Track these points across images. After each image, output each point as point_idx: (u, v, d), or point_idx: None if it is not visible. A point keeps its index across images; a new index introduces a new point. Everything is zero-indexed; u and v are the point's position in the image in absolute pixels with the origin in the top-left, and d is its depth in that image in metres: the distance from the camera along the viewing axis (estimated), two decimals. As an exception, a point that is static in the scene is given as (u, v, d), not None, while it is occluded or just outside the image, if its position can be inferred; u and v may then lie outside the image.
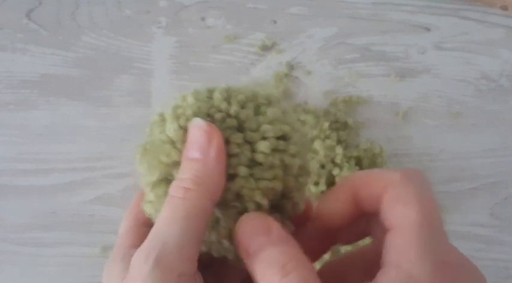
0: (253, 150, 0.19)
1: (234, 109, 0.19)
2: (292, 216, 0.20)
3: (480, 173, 0.39)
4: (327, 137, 0.36)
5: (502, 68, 0.42)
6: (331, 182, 0.35)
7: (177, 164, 0.19)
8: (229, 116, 0.19)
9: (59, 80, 0.41)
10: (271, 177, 0.19)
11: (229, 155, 0.18)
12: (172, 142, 0.19)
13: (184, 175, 0.18)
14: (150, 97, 0.41)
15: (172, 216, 0.17)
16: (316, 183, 0.34)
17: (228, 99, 0.20)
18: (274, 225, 0.18)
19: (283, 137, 0.20)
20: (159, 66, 0.41)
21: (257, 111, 0.20)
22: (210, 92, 0.20)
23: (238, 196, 0.19)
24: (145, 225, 0.21)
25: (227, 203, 0.19)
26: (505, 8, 0.43)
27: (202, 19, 0.43)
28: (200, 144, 0.18)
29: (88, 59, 0.41)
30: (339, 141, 0.37)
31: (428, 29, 0.43)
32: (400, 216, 0.17)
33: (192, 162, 0.18)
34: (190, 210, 0.17)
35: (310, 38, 0.42)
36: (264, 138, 0.19)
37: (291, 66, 0.42)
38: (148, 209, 0.20)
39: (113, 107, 0.40)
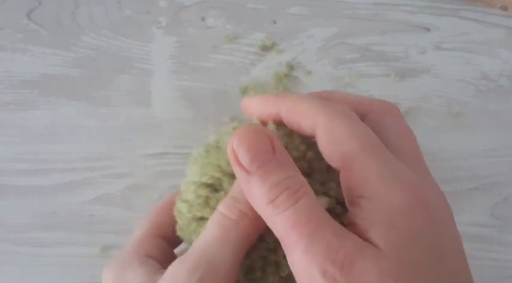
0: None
1: (310, 155, 0.18)
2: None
3: (480, 173, 0.39)
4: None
5: (502, 68, 0.42)
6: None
7: (232, 177, 0.18)
8: (303, 158, 0.18)
9: (59, 80, 0.41)
10: None
11: None
12: None
13: (241, 197, 0.17)
14: (150, 97, 0.41)
15: (224, 237, 0.16)
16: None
17: (301, 142, 0.19)
18: (277, 144, 0.16)
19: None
20: (159, 66, 0.41)
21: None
22: (288, 131, 0.19)
23: None
24: (163, 238, 0.20)
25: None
26: (504, 8, 0.43)
27: (202, 19, 0.43)
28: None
29: (88, 59, 0.41)
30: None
31: (428, 29, 0.43)
32: (342, 155, 0.16)
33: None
34: (243, 236, 0.17)
35: (310, 38, 0.42)
36: (326, 194, 0.18)
37: (291, 66, 0.42)
38: (181, 207, 0.19)
39: (113, 107, 0.40)
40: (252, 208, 0.16)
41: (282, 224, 0.15)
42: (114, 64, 0.41)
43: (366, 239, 0.15)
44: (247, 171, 0.16)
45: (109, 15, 0.43)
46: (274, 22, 0.43)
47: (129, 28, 0.42)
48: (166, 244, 0.21)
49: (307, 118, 0.17)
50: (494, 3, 0.43)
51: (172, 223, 0.20)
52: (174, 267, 0.16)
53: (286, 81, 0.41)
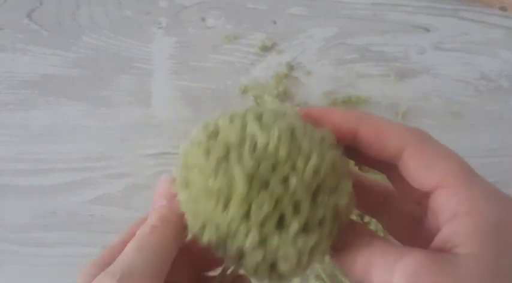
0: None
1: (251, 239, 0.18)
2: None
3: (480, 173, 0.39)
4: (327, 137, 0.36)
5: (501, 68, 0.42)
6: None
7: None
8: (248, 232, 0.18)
9: (59, 80, 0.41)
10: (316, 239, 0.18)
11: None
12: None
13: (152, 217, 0.20)
14: (150, 97, 0.41)
15: (139, 246, 0.19)
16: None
17: (246, 214, 0.18)
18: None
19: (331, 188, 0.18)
20: (159, 66, 0.41)
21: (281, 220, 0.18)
22: (227, 194, 0.18)
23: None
24: None
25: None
26: (504, 8, 0.43)
27: (202, 19, 0.43)
28: (166, 193, 0.20)
29: (88, 59, 0.41)
30: (339, 141, 0.37)
31: (427, 30, 0.43)
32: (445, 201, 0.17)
33: (159, 208, 0.20)
34: (156, 243, 0.19)
35: (310, 38, 0.43)
36: (285, 256, 0.18)
37: (290, 67, 0.42)
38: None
39: (113, 107, 0.40)
40: (162, 222, 0.19)
41: None
42: (114, 64, 0.41)
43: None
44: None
45: (109, 16, 0.43)
46: (274, 22, 0.43)
47: (129, 28, 0.42)
48: None
49: (393, 139, 0.18)
50: (493, 4, 0.43)
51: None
52: (100, 276, 0.18)
53: (286, 81, 0.41)
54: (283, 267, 0.18)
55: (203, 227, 0.18)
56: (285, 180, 0.18)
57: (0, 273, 0.36)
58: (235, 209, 0.18)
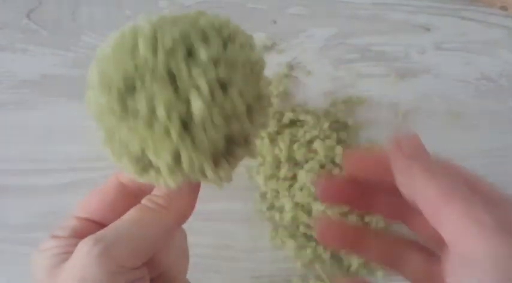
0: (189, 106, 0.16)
1: (160, 60, 0.16)
2: (245, 156, 0.19)
3: (480, 173, 0.39)
4: (327, 137, 0.36)
5: (502, 68, 0.42)
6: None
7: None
8: (156, 69, 0.16)
9: (59, 80, 0.41)
10: (209, 132, 0.17)
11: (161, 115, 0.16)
12: (111, 109, 0.17)
13: (162, 194, 0.19)
14: (150, 97, 0.41)
15: (138, 217, 0.18)
16: (316, 183, 0.34)
17: (154, 47, 0.17)
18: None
19: (222, 82, 0.17)
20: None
21: (190, 54, 0.17)
22: (135, 38, 0.18)
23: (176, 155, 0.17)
24: (92, 221, 0.21)
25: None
26: (504, 8, 0.43)
27: (202, 19, 0.43)
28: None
29: (88, 58, 0.41)
30: (339, 141, 0.37)
31: (428, 29, 0.43)
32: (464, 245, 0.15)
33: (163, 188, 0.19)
34: (159, 222, 0.18)
35: (310, 38, 0.42)
36: (198, 89, 0.16)
37: (290, 67, 0.42)
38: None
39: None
40: (170, 204, 0.19)
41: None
42: (114, 64, 0.41)
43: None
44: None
45: (109, 15, 0.43)
46: (274, 22, 0.43)
47: (129, 28, 0.42)
48: (92, 226, 0.20)
49: (449, 228, 0.16)
50: (494, 4, 0.43)
51: (103, 205, 0.21)
52: (83, 241, 0.18)
53: (286, 81, 0.41)
54: (194, 104, 0.16)
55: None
56: (193, 23, 0.18)
57: (0, 273, 0.36)
58: (142, 44, 0.17)
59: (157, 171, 0.18)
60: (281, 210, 0.36)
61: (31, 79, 0.41)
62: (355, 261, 0.35)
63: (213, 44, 0.17)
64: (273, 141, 0.37)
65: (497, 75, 0.42)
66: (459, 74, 0.42)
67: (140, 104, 0.16)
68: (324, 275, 0.35)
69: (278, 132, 0.37)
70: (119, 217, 0.19)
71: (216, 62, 0.17)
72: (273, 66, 0.42)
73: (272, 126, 0.37)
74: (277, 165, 0.36)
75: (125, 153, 0.18)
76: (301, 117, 0.38)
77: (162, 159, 0.17)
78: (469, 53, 0.42)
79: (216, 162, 0.18)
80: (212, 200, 0.38)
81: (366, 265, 0.36)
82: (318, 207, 0.34)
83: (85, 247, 0.17)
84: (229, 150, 0.18)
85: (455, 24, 0.43)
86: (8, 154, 0.39)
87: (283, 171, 0.35)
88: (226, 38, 0.18)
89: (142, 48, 0.17)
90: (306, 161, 0.35)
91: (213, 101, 0.16)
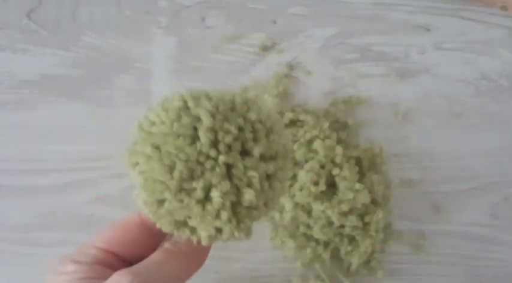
0: (239, 193, 0.20)
1: (221, 158, 0.19)
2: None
3: (480, 173, 0.39)
4: (327, 137, 0.36)
5: (502, 68, 0.42)
6: (330, 182, 0.35)
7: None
8: (216, 161, 0.19)
9: (59, 79, 0.41)
10: (254, 216, 0.21)
11: (215, 198, 0.19)
12: (166, 185, 0.20)
13: (181, 240, 0.22)
14: (150, 97, 0.41)
15: (165, 259, 0.21)
16: (316, 183, 0.34)
17: (215, 143, 0.20)
18: None
19: (269, 175, 0.21)
20: (159, 66, 0.41)
21: (244, 149, 0.20)
22: (193, 127, 0.20)
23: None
24: (111, 253, 0.22)
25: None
26: (505, 8, 0.43)
27: (202, 19, 0.43)
28: None
29: (88, 59, 0.41)
30: (339, 141, 0.37)
31: (428, 29, 0.43)
32: None
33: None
34: (181, 264, 0.21)
35: (310, 38, 0.42)
36: (249, 184, 0.20)
37: (290, 66, 0.42)
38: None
39: (113, 107, 0.40)
40: (188, 248, 0.21)
41: None
42: (114, 64, 0.41)
43: None
44: None
45: (109, 15, 0.43)
46: (274, 22, 0.43)
47: (129, 28, 0.42)
48: (111, 258, 0.22)
49: None
50: (494, 3, 0.43)
51: (124, 240, 0.23)
52: (119, 273, 0.19)
53: (286, 81, 0.41)
54: (247, 195, 0.20)
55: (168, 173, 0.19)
56: (244, 117, 0.20)
57: (0, 273, 0.36)
58: (203, 138, 0.19)
59: (192, 230, 0.20)
60: (281, 210, 0.36)
61: (31, 79, 0.41)
62: (355, 261, 0.35)
63: (261, 141, 0.20)
64: (273, 141, 0.37)
65: (497, 75, 0.42)
66: (459, 74, 0.42)
67: (198, 186, 0.19)
68: (323, 275, 0.35)
69: (278, 132, 0.37)
70: (139, 252, 0.21)
71: (263, 157, 0.20)
72: (273, 66, 0.42)
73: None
74: (277, 165, 0.36)
75: (166, 217, 0.20)
76: (301, 117, 0.38)
77: (205, 231, 0.20)
78: (469, 53, 0.42)
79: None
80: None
81: (366, 265, 0.36)
82: (318, 207, 0.34)
83: (124, 280, 0.19)
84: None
85: (455, 24, 0.43)
86: (8, 154, 0.39)
87: (283, 171, 0.35)
88: (269, 129, 0.21)
89: (205, 141, 0.19)
90: (306, 161, 0.35)
91: (261, 191, 0.20)
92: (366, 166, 0.37)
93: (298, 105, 0.40)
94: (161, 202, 0.20)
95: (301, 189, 0.34)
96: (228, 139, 0.20)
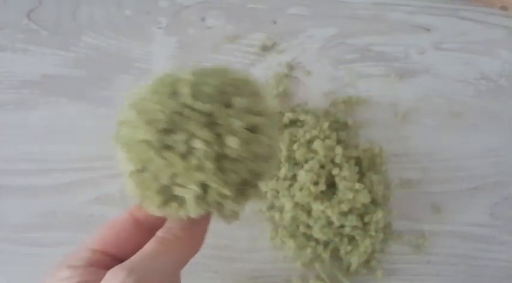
0: (223, 144, 0.19)
1: (201, 105, 0.19)
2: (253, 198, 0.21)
3: (480, 173, 0.39)
4: (327, 137, 0.36)
5: (502, 68, 0.42)
6: (330, 182, 0.35)
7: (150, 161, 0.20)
8: (196, 111, 0.19)
9: (59, 80, 0.41)
10: (240, 170, 0.20)
11: (198, 149, 0.19)
12: (149, 143, 0.19)
13: (175, 225, 0.21)
14: (150, 97, 0.41)
15: (160, 250, 0.20)
16: (316, 183, 0.34)
17: (195, 94, 0.19)
18: None
19: (253, 128, 0.20)
20: (159, 66, 0.41)
21: (226, 102, 0.20)
22: (175, 84, 0.20)
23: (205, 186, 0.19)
24: (104, 253, 0.22)
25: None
26: (504, 8, 0.43)
27: (202, 19, 0.43)
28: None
29: (88, 59, 0.41)
30: (339, 141, 0.37)
31: (428, 30, 0.43)
32: None
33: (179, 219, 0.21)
34: (176, 252, 0.20)
35: (310, 38, 0.42)
36: (233, 132, 0.19)
37: (290, 67, 0.42)
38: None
39: (113, 107, 0.40)
40: (186, 234, 0.21)
41: None
42: (114, 64, 0.41)
43: None
44: None
45: (109, 15, 0.43)
46: (274, 22, 0.43)
47: (129, 28, 0.42)
48: (106, 259, 0.22)
49: None
50: (494, 4, 0.43)
51: (117, 239, 0.22)
52: (113, 271, 0.19)
53: (286, 81, 0.41)
54: (231, 142, 0.19)
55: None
56: (226, 76, 0.21)
57: (0, 273, 0.36)
58: (183, 89, 0.19)
59: (180, 203, 0.20)
60: (281, 210, 0.36)
61: (31, 79, 0.41)
62: (354, 261, 0.35)
63: (245, 95, 0.20)
64: (272, 141, 0.37)
65: (497, 75, 0.42)
66: (459, 74, 0.42)
67: (180, 139, 0.19)
68: (323, 275, 0.35)
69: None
70: (134, 250, 0.20)
71: (248, 110, 0.20)
72: (273, 66, 0.42)
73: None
74: (277, 165, 0.36)
75: (152, 185, 0.20)
76: (301, 117, 0.38)
77: (190, 190, 0.19)
78: (468, 53, 0.42)
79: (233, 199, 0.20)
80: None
81: (366, 265, 0.36)
82: (317, 207, 0.34)
83: (119, 277, 0.18)
84: (243, 191, 0.21)
85: (455, 24, 0.43)
86: (8, 154, 0.39)
87: (283, 171, 0.35)
88: (253, 91, 0.21)
89: (186, 92, 0.19)
90: (306, 161, 0.35)
91: (246, 141, 0.19)
92: (365, 166, 0.37)
93: (298, 105, 0.40)
94: (144, 167, 0.20)
95: (301, 189, 0.34)
96: (209, 89, 0.20)
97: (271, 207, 0.37)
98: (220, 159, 0.19)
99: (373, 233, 0.34)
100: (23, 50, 0.42)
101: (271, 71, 0.41)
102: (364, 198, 0.34)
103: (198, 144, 0.19)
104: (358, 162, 0.37)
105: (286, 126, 0.38)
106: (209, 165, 0.19)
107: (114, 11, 0.43)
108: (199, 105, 0.19)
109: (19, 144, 0.39)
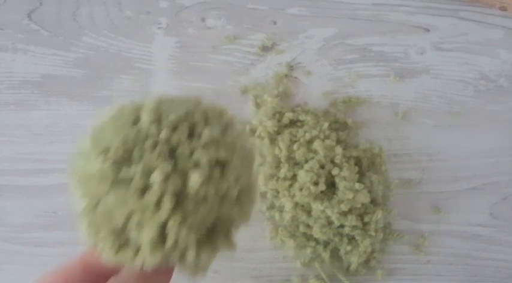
0: (186, 180, 0.17)
1: (164, 133, 0.17)
2: (224, 247, 0.18)
3: (480, 173, 0.39)
4: (327, 137, 0.36)
5: (501, 68, 0.42)
6: (330, 182, 0.35)
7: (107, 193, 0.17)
8: (157, 141, 0.17)
9: (60, 80, 0.41)
10: (205, 212, 0.17)
11: (156, 185, 0.16)
12: (102, 175, 0.17)
13: (128, 275, 0.19)
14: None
15: None
16: (316, 183, 0.34)
17: (157, 121, 0.17)
18: None
19: (222, 164, 0.17)
20: (159, 67, 0.41)
21: (192, 133, 0.17)
22: (137, 111, 0.18)
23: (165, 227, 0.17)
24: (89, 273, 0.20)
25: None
26: (504, 8, 0.43)
27: (203, 20, 0.43)
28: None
29: (88, 59, 0.42)
30: (339, 141, 0.37)
31: (427, 30, 0.43)
32: None
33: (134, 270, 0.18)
34: None
35: (310, 38, 0.43)
36: (197, 167, 0.17)
37: (290, 67, 0.42)
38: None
39: (113, 107, 0.40)
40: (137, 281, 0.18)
41: None
42: (115, 64, 0.41)
43: None
44: None
45: (109, 16, 0.43)
46: (274, 22, 0.43)
47: (129, 28, 0.43)
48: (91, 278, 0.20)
49: None
50: (493, 4, 0.43)
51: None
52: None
53: (286, 81, 0.41)
54: (192, 178, 0.16)
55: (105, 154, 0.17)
56: (195, 105, 0.18)
57: (0, 272, 0.37)
58: (144, 116, 0.17)
59: (135, 248, 0.17)
60: (281, 209, 0.36)
61: (32, 79, 0.41)
62: (354, 261, 0.35)
63: (215, 126, 0.18)
64: (273, 141, 0.37)
65: (496, 75, 0.42)
66: (458, 74, 0.42)
67: (136, 172, 0.16)
68: (323, 274, 0.35)
69: (278, 132, 0.38)
70: None
71: (216, 144, 0.17)
72: (272, 66, 0.42)
73: (272, 126, 0.37)
74: (277, 165, 0.36)
75: (105, 225, 0.17)
76: (301, 117, 0.38)
77: (146, 233, 0.16)
78: (468, 53, 0.42)
79: (198, 248, 0.17)
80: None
81: (365, 265, 0.36)
82: (317, 207, 0.34)
83: None
84: (211, 239, 0.18)
85: (455, 24, 0.43)
86: (8, 155, 0.39)
87: (283, 171, 0.35)
88: (226, 124, 0.19)
89: (146, 119, 0.17)
90: (306, 161, 0.35)
91: (210, 178, 0.17)
92: (365, 166, 0.37)
93: (298, 105, 0.40)
94: (97, 203, 0.17)
95: (301, 189, 0.34)
96: (173, 117, 0.17)
97: (271, 207, 0.37)
98: (182, 198, 0.16)
99: (372, 233, 0.34)
100: (24, 50, 0.42)
101: (271, 71, 0.41)
102: (364, 198, 0.34)
103: (156, 179, 0.16)
104: (358, 162, 0.37)
105: (286, 126, 0.38)
106: (168, 204, 0.16)
107: (115, 12, 0.43)
108: (160, 134, 0.17)
109: (19, 144, 0.39)
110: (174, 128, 0.17)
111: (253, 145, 0.20)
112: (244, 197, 0.18)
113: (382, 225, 0.35)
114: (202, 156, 0.17)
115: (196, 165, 0.17)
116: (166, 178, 0.16)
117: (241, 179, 0.18)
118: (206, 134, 0.17)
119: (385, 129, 0.40)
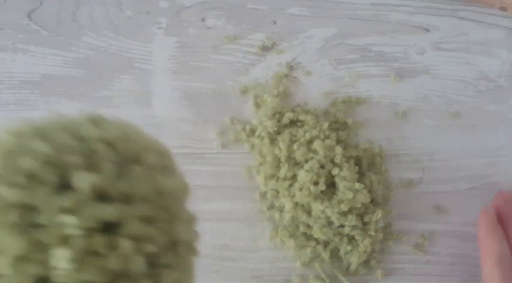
0: (50, 259, 0.11)
1: (17, 194, 0.11)
2: None
3: (480, 173, 0.39)
4: (327, 137, 0.36)
5: (501, 68, 0.42)
6: (330, 182, 0.35)
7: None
8: (10, 207, 0.11)
9: (60, 80, 0.41)
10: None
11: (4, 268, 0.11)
12: None
13: None
14: (150, 97, 0.41)
15: None
16: (316, 183, 0.34)
17: (11, 172, 0.12)
18: None
19: (108, 225, 0.12)
20: (159, 67, 0.41)
21: (63, 184, 0.12)
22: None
23: None
24: None
25: None
26: (504, 8, 0.43)
27: (203, 20, 0.43)
28: None
29: (88, 59, 0.42)
30: (339, 141, 0.37)
31: (427, 30, 0.43)
32: None
33: None
34: None
35: (310, 38, 0.43)
36: (64, 240, 0.11)
37: (290, 67, 0.42)
38: None
39: (113, 107, 0.40)
40: None
41: None
42: (115, 64, 0.41)
43: None
44: None
45: (109, 16, 0.43)
46: (274, 22, 0.43)
47: (129, 28, 0.43)
48: None
49: None
50: (493, 4, 0.43)
51: None
52: None
53: (286, 81, 0.41)
54: (59, 259, 0.11)
55: None
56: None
57: None
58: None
59: None
60: (281, 209, 0.36)
61: (32, 79, 0.41)
62: (354, 261, 0.35)
63: (102, 168, 0.12)
64: (273, 141, 0.37)
65: (497, 76, 0.42)
66: (458, 74, 0.42)
67: None
68: (323, 274, 0.35)
69: (278, 132, 0.38)
70: None
71: (103, 195, 0.12)
72: (273, 66, 0.42)
73: (272, 126, 0.37)
74: (277, 165, 0.36)
75: None
76: (301, 117, 0.38)
77: None
78: (468, 53, 0.42)
79: None
80: (212, 200, 0.38)
81: (365, 265, 0.36)
82: (317, 207, 0.34)
83: None
84: None
85: (455, 24, 0.43)
86: (8, 154, 0.39)
87: (283, 171, 0.35)
88: (128, 157, 0.13)
89: None
90: (306, 161, 0.35)
91: (87, 254, 0.11)
92: (365, 166, 0.37)
93: (298, 105, 0.40)
94: None
95: (301, 189, 0.34)
96: (31, 163, 0.12)
97: (271, 207, 0.37)
98: None
99: (372, 233, 0.34)
100: (24, 50, 0.42)
101: (271, 71, 0.41)
102: (364, 198, 0.34)
103: (6, 261, 0.11)
104: (358, 162, 0.37)
105: (286, 126, 0.38)
106: None
107: (115, 12, 0.43)
108: (10, 195, 0.11)
109: (19, 144, 0.39)
110: (34, 179, 0.11)
111: (181, 177, 0.14)
112: (165, 261, 0.13)
113: (382, 225, 0.35)
114: (73, 221, 0.11)
115: (65, 236, 0.11)
116: (21, 259, 0.11)
117: (155, 239, 0.12)
118: (82, 182, 0.11)
119: (385, 129, 0.40)
